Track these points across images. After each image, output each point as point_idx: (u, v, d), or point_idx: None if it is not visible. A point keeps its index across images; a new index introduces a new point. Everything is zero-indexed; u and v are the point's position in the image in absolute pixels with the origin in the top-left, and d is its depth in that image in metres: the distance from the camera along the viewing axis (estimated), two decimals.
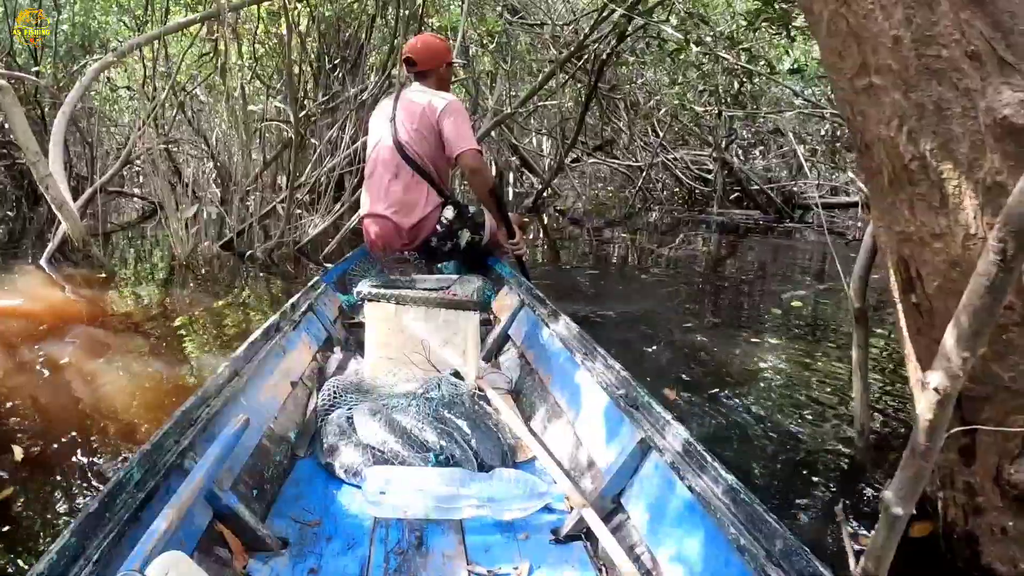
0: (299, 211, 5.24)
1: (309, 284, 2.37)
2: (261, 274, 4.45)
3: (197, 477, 1.08)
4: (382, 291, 1.92)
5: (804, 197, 9.36)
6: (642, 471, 1.27)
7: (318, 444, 1.57)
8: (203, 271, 4.46)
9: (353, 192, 4.93)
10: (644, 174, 9.06)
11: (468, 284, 2.03)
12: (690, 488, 1.10)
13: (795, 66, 5.42)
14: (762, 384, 2.57)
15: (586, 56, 6.18)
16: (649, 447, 1.26)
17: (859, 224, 7.93)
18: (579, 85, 7.33)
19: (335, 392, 1.73)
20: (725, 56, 4.99)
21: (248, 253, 4.65)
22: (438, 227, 2.55)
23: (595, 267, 5.18)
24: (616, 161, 9.66)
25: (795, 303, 3.96)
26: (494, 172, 9.08)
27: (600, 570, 1.18)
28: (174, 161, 7.36)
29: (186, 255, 4.53)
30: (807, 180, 9.72)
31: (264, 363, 1.65)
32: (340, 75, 6.15)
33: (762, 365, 2.80)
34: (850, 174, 8.20)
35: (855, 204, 8.54)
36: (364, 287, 1.97)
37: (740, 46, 4.86)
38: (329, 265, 3.56)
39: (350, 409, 1.64)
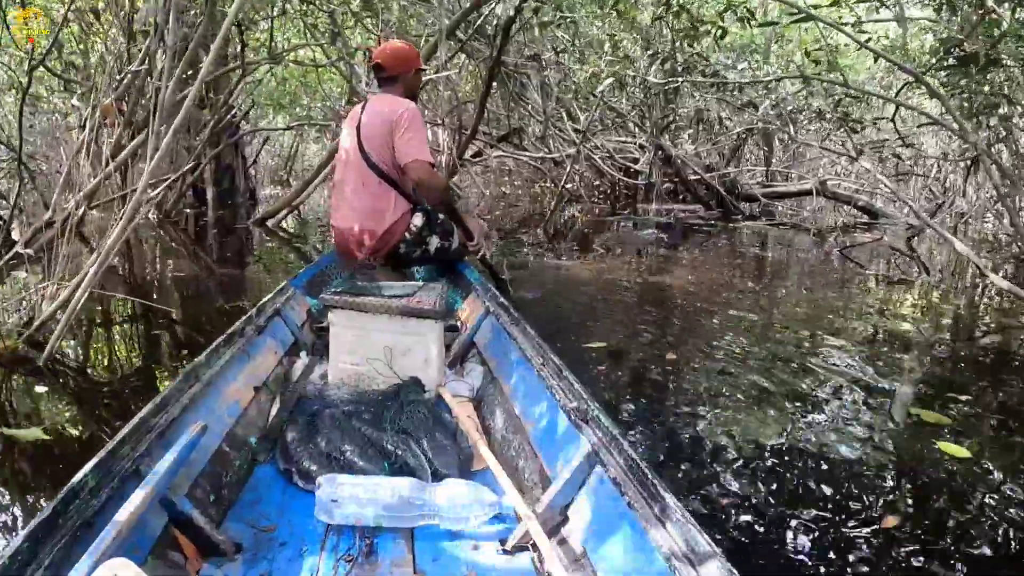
0: (21, 274, 3.36)
1: (278, 288, 2.38)
2: None
3: (151, 483, 1.10)
4: (346, 298, 1.95)
5: (745, 186, 8.42)
6: (588, 485, 1.31)
7: (278, 450, 1.60)
8: None
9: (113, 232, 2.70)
10: (569, 168, 7.57)
11: (432, 291, 2.05)
12: (629, 504, 1.15)
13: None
14: None
15: (484, 15, 4.80)
16: (595, 461, 1.31)
17: (823, 217, 7.10)
18: (475, 62, 6.05)
19: (297, 398, 1.76)
20: None
21: None
22: (407, 234, 2.57)
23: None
24: (527, 154, 8.10)
25: (953, 447, 2.08)
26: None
27: None
28: None
29: None
30: (743, 167, 8.70)
31: (227, 368, 1.67)
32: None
33: None
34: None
35: (808, 192, 7.58)
36: (328, 293, 1.99)
37: None
38: (41, 389, 2.50)
39: (311, 415, 1.67)
